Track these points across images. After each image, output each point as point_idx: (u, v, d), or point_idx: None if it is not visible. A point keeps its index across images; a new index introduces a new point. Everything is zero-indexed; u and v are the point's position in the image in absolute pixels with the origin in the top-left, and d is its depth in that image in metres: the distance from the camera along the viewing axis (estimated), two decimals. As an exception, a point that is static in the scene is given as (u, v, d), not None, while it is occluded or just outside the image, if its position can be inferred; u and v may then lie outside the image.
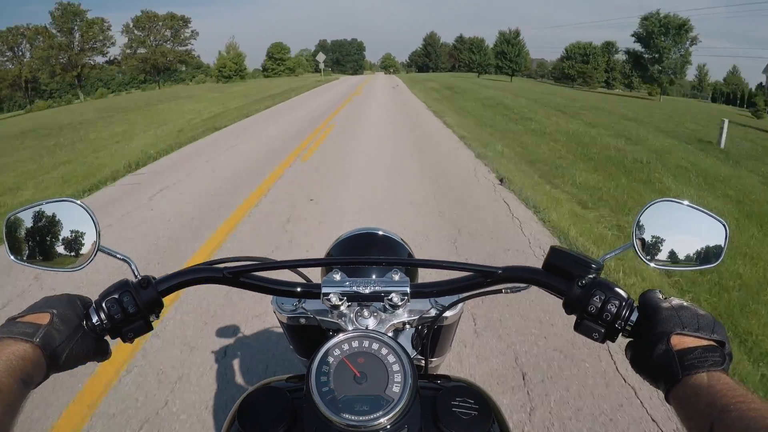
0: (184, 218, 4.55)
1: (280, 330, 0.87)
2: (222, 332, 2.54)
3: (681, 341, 0.51)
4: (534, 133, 10.86)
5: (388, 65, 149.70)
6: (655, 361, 0.52)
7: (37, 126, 17.57)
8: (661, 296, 0.58)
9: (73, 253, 0.63)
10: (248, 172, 6.38)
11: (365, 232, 0.95)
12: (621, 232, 4.49)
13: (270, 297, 0.75)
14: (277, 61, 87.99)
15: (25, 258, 0.63)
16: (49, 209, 0.63)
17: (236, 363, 2.31)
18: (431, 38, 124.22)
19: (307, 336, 0.81)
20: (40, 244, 0.63)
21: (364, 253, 0.91)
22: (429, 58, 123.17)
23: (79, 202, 0.63)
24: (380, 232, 0.94)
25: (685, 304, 0.55)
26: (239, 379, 2.20)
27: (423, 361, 0.76)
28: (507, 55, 60.24)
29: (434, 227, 4.17)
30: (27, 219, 0.63)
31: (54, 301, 0.58)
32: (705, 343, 0.51)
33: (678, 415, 0.49)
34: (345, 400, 0.55)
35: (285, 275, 0.70)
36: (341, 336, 0.60)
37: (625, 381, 2.14)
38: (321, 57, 45.25)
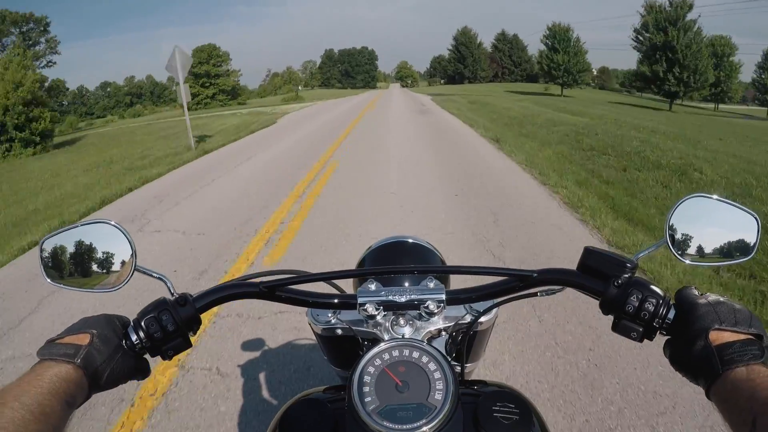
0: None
1: None
2: None
3: (719, 336, 0.51)
4: None
5: (404, 75, 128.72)
6: (694, 357, 0.52)
7: None
8: (697, 293, 0.58)
9: (109, 274, 0.64)
10: None
11: (395, 241, 0.94)
12: None
13: (305, 309, 0.74)
14: (204, 81, 50.97)
15: (61, 281, 0.64)
16: (84, 231, 0.63)
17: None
18: (465, 36, 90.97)
19: (343, 347, 0.81)
20: (76, 266, 0.64)
21: (396, 261, 0.91)
22: (463, 64, 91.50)
23: (114, 222, 0.63)
24: (410, 240, 0.94)
25: (721, 299, 0.55)
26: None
27: (458, 368, 0.76)
28: (677, 55, 27.19)
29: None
30: (62, 242, 0.63)
31: (92, 321, 0.59)
32: (743, 337, 0.50)
33: (720, 411, 0.49)
34: (388, 410, 0.55)
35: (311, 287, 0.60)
36: (382, 345, 0.61)
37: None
38: (180, 68, 9.89)
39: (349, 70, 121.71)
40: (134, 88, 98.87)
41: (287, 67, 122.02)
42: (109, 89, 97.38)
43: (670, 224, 0.62)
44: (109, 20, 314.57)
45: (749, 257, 0.62)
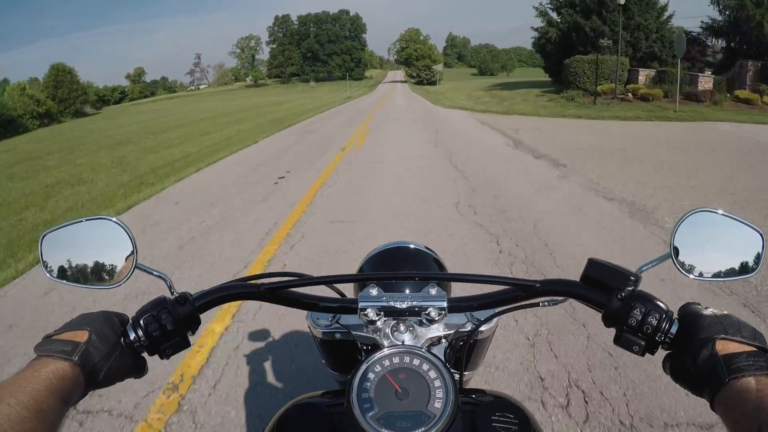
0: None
1: None
2: None
3: (725, 346, 0.51)
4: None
5: (413, 56, 65.20)
6: (699, 367, 0.52)
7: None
8: (700, 307, 0.58)
9: (109, 271, 0.63)
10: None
11: (397, 246, 0.94)
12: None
13: (304, 312, 0.75)
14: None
15: (61, 276, 0.63)
16: (85, 227, 0.63)
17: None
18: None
19: (341, 351, 0.81)
20: (76, 261, 0.63)
21: (397, 267, 0.90)
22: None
23: (115, 219, 0.63)
24: (412, 246, 0.94)
25: (725, 312, 0.56)
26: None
27: (456, 376, 0.75)
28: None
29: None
30: (63, 237, 0.63)
31: (91, 318, 0.58)
32: (749, 348, 0.51)
33: (724, 421, 0.49)
34: (386, 417, 0.54)
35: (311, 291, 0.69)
36: (384, 351, 0.61)
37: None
38: None
39: (318, 50, 71.69)
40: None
41: (236, 44, 46.90)
42: None
43: (676, 237, 0.62)
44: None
45: (753, 274, 0.62)
